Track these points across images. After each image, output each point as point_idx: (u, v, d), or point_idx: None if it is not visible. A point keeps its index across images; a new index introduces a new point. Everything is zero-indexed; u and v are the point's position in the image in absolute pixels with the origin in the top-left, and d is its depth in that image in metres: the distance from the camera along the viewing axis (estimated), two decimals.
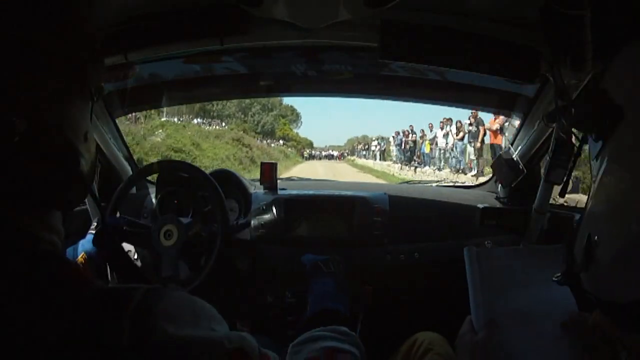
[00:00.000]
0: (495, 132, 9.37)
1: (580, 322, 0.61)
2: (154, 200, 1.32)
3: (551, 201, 1.19)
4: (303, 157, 42.75)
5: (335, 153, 48.70)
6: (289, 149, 40.94)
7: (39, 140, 0.38)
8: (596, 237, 0.46)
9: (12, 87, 0.37)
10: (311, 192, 1.40)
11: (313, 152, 47.97)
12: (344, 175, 18.34)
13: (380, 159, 26.15)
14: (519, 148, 1.29)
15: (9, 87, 0.36)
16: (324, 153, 48.49)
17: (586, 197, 0.52)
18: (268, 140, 38.71)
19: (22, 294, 0.35)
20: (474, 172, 10.29)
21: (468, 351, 0.64)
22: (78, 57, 0.42)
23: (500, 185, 1.41)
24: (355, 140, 52.14)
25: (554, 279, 0.59)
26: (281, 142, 41.91)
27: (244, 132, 30.02)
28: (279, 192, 1.39)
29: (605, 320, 0.48)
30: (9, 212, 0.38)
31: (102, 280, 0.40)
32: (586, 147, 0.54)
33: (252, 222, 1.30)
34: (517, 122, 1.37)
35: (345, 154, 46.47)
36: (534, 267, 0.68)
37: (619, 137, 0.45)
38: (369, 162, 27.56)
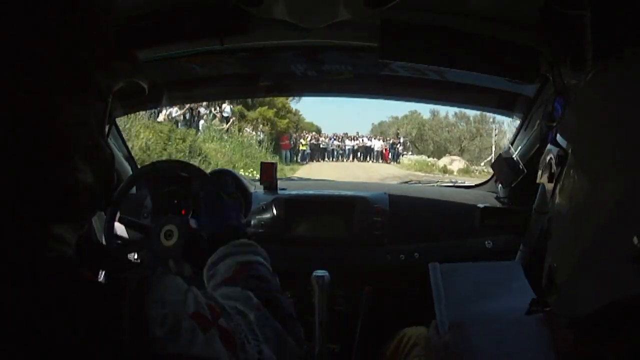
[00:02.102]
0: None
1: (552, 321, 0.64)
2: None
3: None
4: (296, 155, 16.58)
5: (378, 144, 19.51)
6: (254, 133, 14.04)
7: (33, 148, 0.36)
8: (555, 264, 0.49)
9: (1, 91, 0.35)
10: (311, 192, 1.40)
11: (323, 141, 18.79)
12: None
13: None
14: (519, 148, 1.29)
15: None
16: (349, 144, 19.38)
17: None
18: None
19: (26, 298, 0.35)
20: None
21: (435, 352, 0.66)
22: (77, 60, 0.39)
23: (500, 185, 1.41)
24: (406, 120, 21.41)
25: (529, 309, 0.64)
26: (226, 108, 12.83)
27: None
28: (279, 192, 1.39)
29: (583, 339, 0.50)
30: (11, 221, 0.37)
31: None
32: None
33: (252, 222, 1.30)
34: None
35: (400, 148, 19.30)
36: (493, 280, 0.73)
37: (563, 180, 0.48)
38: None
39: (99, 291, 0.36)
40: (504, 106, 1.43)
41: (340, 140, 19.43)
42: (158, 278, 0.39)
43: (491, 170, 1.46)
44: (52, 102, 0.37)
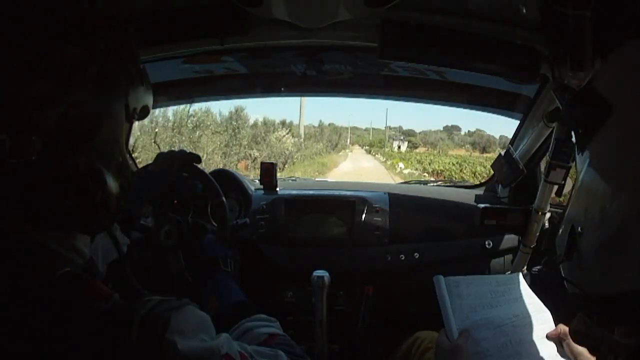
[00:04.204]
0: None
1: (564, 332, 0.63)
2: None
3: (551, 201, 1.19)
4: None
5: None
6: None
7: (56, 160, 0.37)
8: (579, 228, 0.46)
9: (29, 104, 0.35)
10: (311, 192, 1.40)
11: None
12: None
13: None
14: (519, 148, 1.29)
15: (25, 105, 0.35)
16: None
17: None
18: None
19: (37, 310, 0.35)
20: None
21: (445, 356, 0.68)
22: (108, 76, 0.40)
23: (500, 185, 1.41)
24: None
25: (533, 271, 0.63)
26: None
27: None
28: (279, 192, 1.39)
29: (584, 321, 0.48)
30: (25, 229, 0.38)
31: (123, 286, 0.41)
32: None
33: (252, 222, 1.30)
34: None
35: None
36: (499, 291, 0.75)
37: (604, 134, 0.46)
38: None
39: (113, 309, 0.37)
40: (504, 106, 1.43)
41: None
42: (175, 306, 0.40)
43: None
44: (96, 117, 0.39)
